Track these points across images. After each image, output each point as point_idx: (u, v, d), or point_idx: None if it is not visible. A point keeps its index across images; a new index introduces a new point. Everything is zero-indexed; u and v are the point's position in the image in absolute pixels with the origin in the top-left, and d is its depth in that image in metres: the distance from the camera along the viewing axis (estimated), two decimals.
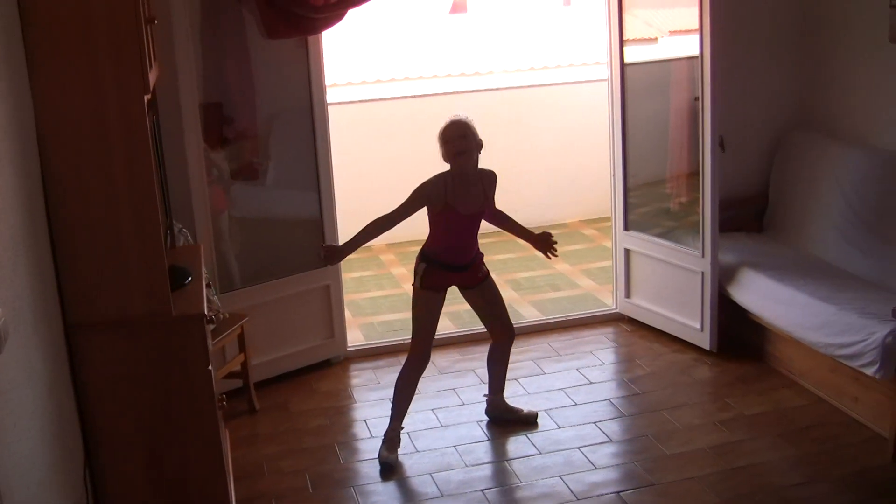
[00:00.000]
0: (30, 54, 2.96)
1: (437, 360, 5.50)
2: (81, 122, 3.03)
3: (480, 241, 4.54)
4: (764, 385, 5.00)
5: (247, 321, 4.86)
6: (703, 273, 5.29)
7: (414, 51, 12.54)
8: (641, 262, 5.80)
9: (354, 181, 7.39)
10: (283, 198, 5.55)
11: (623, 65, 5.69)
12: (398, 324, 6.08)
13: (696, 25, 5.06)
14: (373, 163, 7.75)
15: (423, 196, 4.32)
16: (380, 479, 4.32)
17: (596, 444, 4.52)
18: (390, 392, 4.58)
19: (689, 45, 5.21)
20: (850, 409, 4.61)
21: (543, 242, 4.59)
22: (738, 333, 5.41)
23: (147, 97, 3.12)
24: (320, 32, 5.03)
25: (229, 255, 5.19)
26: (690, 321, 5.46)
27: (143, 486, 3.30)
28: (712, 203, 5.15)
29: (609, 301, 6.22)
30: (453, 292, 4.57)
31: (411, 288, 4.48)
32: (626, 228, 5.87)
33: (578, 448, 4.48)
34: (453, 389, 5.16)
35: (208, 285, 4.42)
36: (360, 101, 8.47)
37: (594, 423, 4.73)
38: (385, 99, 8.57)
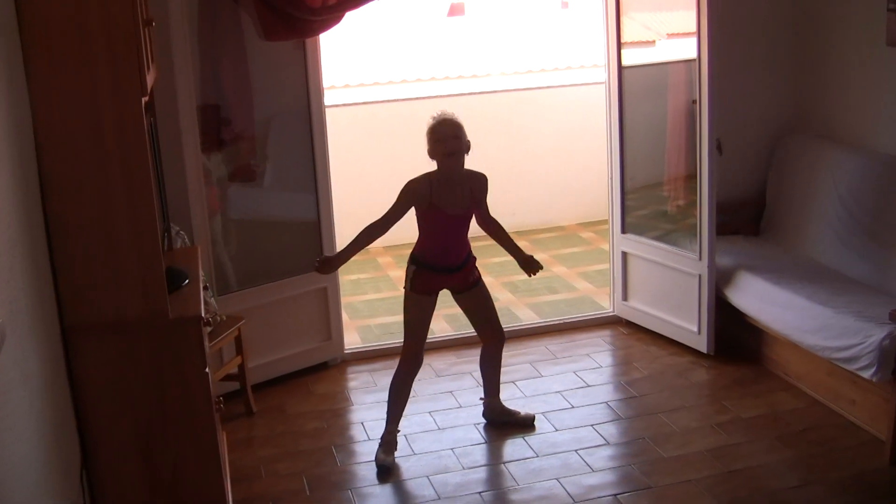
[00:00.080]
0: (27, 56, 2.95)
1: (434, 362, 5.51)
2: (79, 124, 3.02)
3: (475, 244, 4.54)
4: (761, 388, 5.00)
5: (244, 323, 4.86)
6: (700, 276, 5.29)
7: (412, 53, 12.55)
8: (639, 265, 5.80)
9: (352, 183, 7.40)
10: (281, 200, 5.55)
11: (621, 67, 5.69)
12: (395, 326, 6.08)
13: (693, 28, 5.07)
14: (370, 165, 7.75)
15: (408, 196, 4.31)
16: (377, 482, 4.31)
17: (593, 446, 4.52)
18: (387, 395, 4.57)
19: (687, 48, 5.21)
20: (848, 412, 4.61)
21: (529, 265, 4.58)
22: (735, 336, 5.41)
23: (144, 99, 3.12)
24: (318, 35, 5.03)
25: (223, 257, 5.18)
26: (687, 324, 5.46)
27: (139, 487, 3.30)
28: (709, 206, 5.15)
29: (606, 304, 6.22)
30: (447, 295, 4.56)
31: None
32: (624, 231, 5.87)
33: (575, 451, 4.48)
34: (450, 392, 5.16)
35: (205, 287, 4.42)
36: (358, 104, 8.47)
37: (591, 425, 4.72)
38: (383, 101, 8.58)
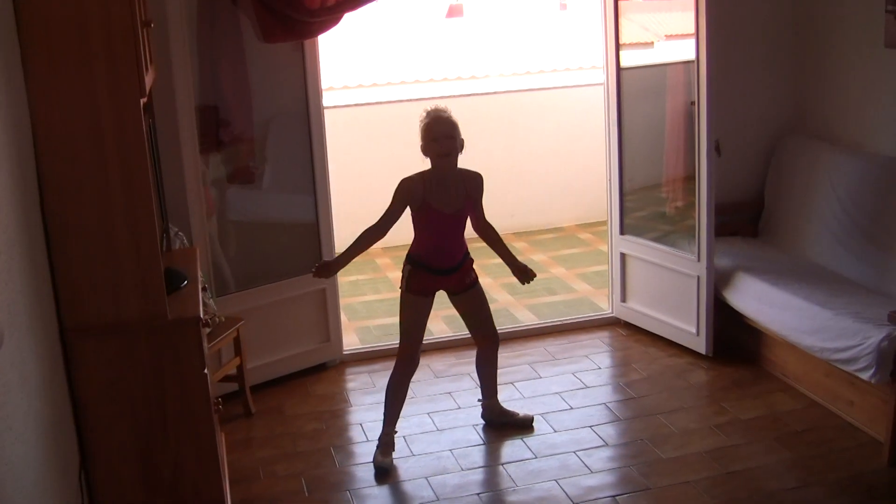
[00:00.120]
0: (26, 57, 2.95)
1: (433, 363, 5.51)
2: (77, 125, 3.02)
3: (473, 245, 4.53)
4: (759, 389, 5.00)
5: (243, 325, 4.86)
6: (698, 277, 5.30)
7: (410, 54, 12.54)
8: (637, 267, 5.80)
9: (351, 185, 7.40)
10: (280, 201, 5.55)
11: (619, 69, 5.70)
12: (394, 328, 6.02)
13: (692, 30, 5.07)
14: (369, 166, 7.75)
15: (403, 194, 4.31)
16: (375, 483, 4.31)
17: (592, 447, 4.52)
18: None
19: (686, 50, 5.21)
20: (846, 414, 4.62)
21: (523, 273, 4.57)
22: (733, 338, 5.41)
23: (143, 100, 3.12)
24: (316, 36, 5.04)
25: (220, 259, 5.17)
26: (686, 325, 5.46)
27: (138, 488, 3.30)
28: (708, 207, 5.15)
29: (605, 305, 6.22)
30: (446, 296, 4.57)
31: None
32: (622, 232, 5.88)
33: (574, 452, 4.48)
34: (449, 393, 5.16)
35: (204, 289, 4.43)
36: (357, 105, 8.47)
37: (590, 426, 4.73)
38: (381, 103, 8.58)
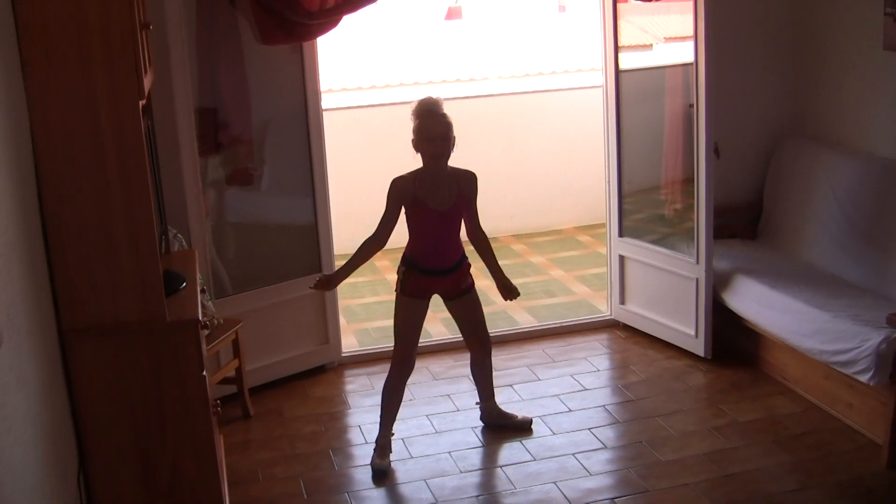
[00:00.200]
0: (25, 59, 2.96)
1: (432, 366, 5.51)
2: (76, 127, 3.02)
3: (470, 248, 4.53)
4: (758, 391, 5.00)
5: (241, 327, 4.85)
6: (697, 280, 5.30)
7: (409, 56, 12.56)
8: (636, 269, 5.80)
9: (349, 187, 7.40)
10: (278, 203, 5.55)
11: (618, 71, 5.70)
12: (392, 330, 6.06)
13: (690, 32, 5.07)
14: (368, 169, 7.74)
15: (395, 193, 4.30)
16: (374, 486, 4.31)
17: (590, 450, 4.52)
18: None
19: (684, 52, 5.22)
20: (845, 416, 4.62)
21: (506, 290, 4.54)
22: (732, 340, 5.41)
23: (142, 102, 3.12)
24: (315, 38, 5.03)
25: (215, 261, 5.16)
26: (685, 328, 5.46)
27: (137, 490, 3.30)
28: (707, 209, 5.15)
29: (603, 307, 6.22)
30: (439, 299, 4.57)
31: None
32: (621, 235, 5.88)
33: (573, 454, 4.48)
34: (448, 395, 5.15)
35: (203, 291, 4.42)
36: (355, 107, 8.48)
37: (588, 429, 4.72)
38: (380, 105, 8.57)
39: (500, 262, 4.59)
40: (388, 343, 5.69)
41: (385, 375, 4.58)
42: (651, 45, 6.22)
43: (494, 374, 4.83)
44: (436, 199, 4.29)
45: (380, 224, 4.33)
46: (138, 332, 3.19)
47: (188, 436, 3.32)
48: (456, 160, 4.37)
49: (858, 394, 4.48)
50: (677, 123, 5.58)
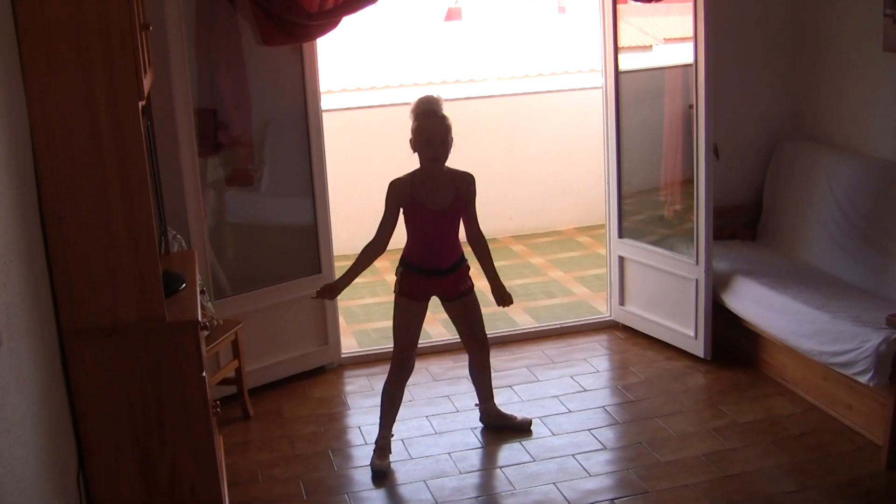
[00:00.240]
0: (24, 59, 2.96)
1: (431, 366, 5.51)
2: (76, 127, 3.02)
3: (469, 249, 4.52)
4: (757, 392, 5.00)
5: (241, 327, 4.85)
6: (697, 280, 5.30)
7: (409, 57, 12.57)
8: (636, 270, 5.80)
9: (349, 188, 7.41)
10: (278, 204, 5.55)
11: (618, 72, 5.70)
12: (391, 331, 6.07)
13: (690, 33, 5.07)
14: (367, 169, 7.74)
15: (393, 195, 4.31)
16: (373, 486, 4.31)
17: (590, 451, 4.52)
18: None
19: (684, 53, 5.22)
20: (844, 417, 4.62)
21: (500, 298, 4.54)
22: (731, 341, 5.41)
23: (141, 103, 3.12)
24: (315, 39, 5.03)
25: (213, 262, 5.16)
26: (684, 329, 5.46)
27: (136, 491, 3.30)
28: (706, 210, 5.15)
29: (603, 308, 6.22)
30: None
31: None
32: (621, 236, 5.88)
33: (572, 455, 4.48)
34: (447, 396, 5.15)
35: (202, 291, 4.42)
36: (355, 108, 8.48)
37: (588, 430, 4.72)
38: (380, 106, 8.58)
39: (499, 263, 4.59)
40: (388, 344, 5.70)
41: (385, 376, 4.58)
42: (651, 46, 6.23)
43: (494, 375, 4.83)
44: (433, 199, 4.29)
45: (379, 228, 4.34)
46: (138, 332, 3.20)
47: (188, 436, 3.32)
48: (456, 161, 4.37)
49: (858, 395, 4.48)
50: (677, 124, 5.58)
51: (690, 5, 5.02)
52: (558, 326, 6.04)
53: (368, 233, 4.38)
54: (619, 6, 5.61)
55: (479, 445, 4.65)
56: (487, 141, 8.10)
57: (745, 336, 5.28)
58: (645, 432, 4.68)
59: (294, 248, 5.51)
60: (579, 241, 8.15)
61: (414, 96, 4.45)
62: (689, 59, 5.12)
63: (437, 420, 4.90)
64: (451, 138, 4.29)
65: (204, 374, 3.33)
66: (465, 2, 17.37)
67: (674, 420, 4.77)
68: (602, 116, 5.85)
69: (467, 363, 4.78)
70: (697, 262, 5.27)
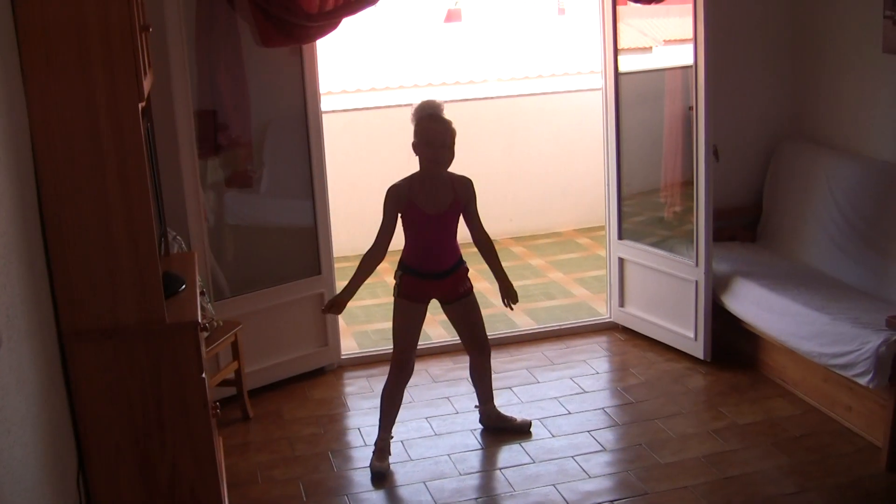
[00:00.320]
0: (24, 61, 2.96)
1: (431, 368, 5.51)
2: (76, 129, 3.03)
3: (472, 250, 4.52)
4: (757, 394, 5.00)
5: (241, 329, 4.85)
6: (696, 282, 5.30)
7: (408, 59, 12.57)
8: (635, 271, 5.80)
9: (348, 189, 7.41)
10: (278, 205, 5.55)
11: (617, 74, 5.70)
12: (391, 332, 6.07)
13: (690, 35, 5.08)
14: (367, 171, 7.75)
15: (392, 200, 4.32)
16: (373, 488, 4.31)
17: (589, 452, 4.52)
18: None
19: (684, 55, 5.22)
20: (844, 419, 4.62)
21: (508, 295, 4.54)
22: (731, 343, 5.41)
23: (141, 104, 3.12)
24: (315, 40, 5.03)
25: (212, 264, 5.16)
26: (684, 330, 5.46)
27: (135, 492, 3.30)
28: (706, 212, 5.15)
29: (603, 310, 6.22)
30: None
31: None
32: (621, 237, 5.88)
33: (572, 457, 4.48)
34: (447, 398, 5.15)
35: (202, 293, 4.42)
36: (355, 110, 8.48)
37: (588, 431, 4.72)
38: (379, 107, 8.58)
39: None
40: (388, 345, 5.70)
41: (384, 377, 4.58)
42: (650, 47, 6.23)
43: (493, 376, 4.83)
44: (430, 203, 4.30)
45: (378, 234, 4.34)
46: (137, 333, 3.20)
47: (187, 437, 3.32)
48: (456, 162, 4.36)
49: (857, 396, 4.49)
50: (677, 126, 5.58)
51: (690, 7, 5.02)
52: (558, 328, 6.04)
53: (368, 234, 4.39)
54: (619, 8, 5.62)
55: (479, 447, 4.65)
56: (487, 142, 8.10)
57: (745, 338, 5.28)
58: (645, 434, 4.68)
59: (294, 250, 5.51)
60: (579, 242, 8.15)
61: (414, 98, 4.46)
62: (689, 61, 5.13)
63: (437, 421, 4.90)
64: (453, 142, 4.28)
65: (204, 375, 3.33)
66: (465, 3, 17.39)
67: (673, 422, 4.77)
68: (602, 118, 5.86)
69: (467, 365, 4.78)
70: (697, 264, 5.28)
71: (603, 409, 4.98)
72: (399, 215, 4.34)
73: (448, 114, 4.33)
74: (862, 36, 5.33)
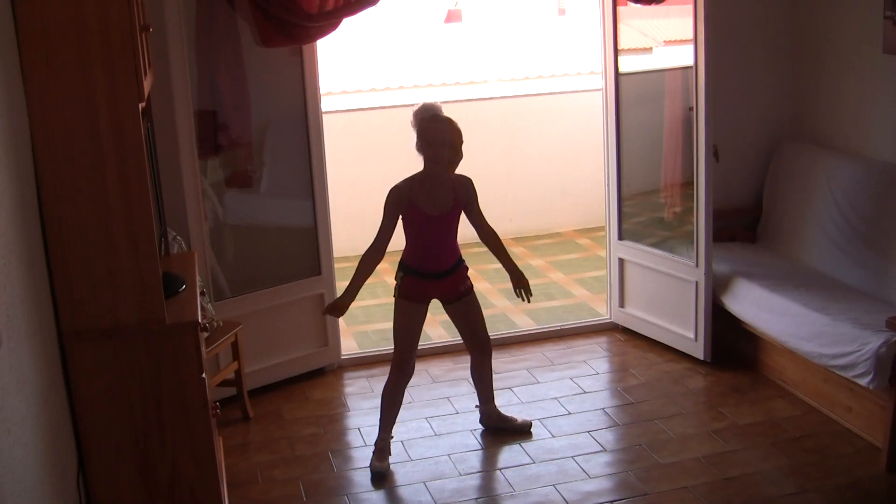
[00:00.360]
0: (24, 61, 2.96)
1: (431, 368, 5.51)
2: (76, 129, 3.03)
3: (470, 251, 4.52)
4: (757, 395, 5.00)
5: (241, 329, 4.85)
6: (696, 283, 5.30)
7: (409, 59, 12.57)
8: (635, 272, 5.80)
9: (348, 190, 7.41)
10: (278, 206, 5.55)
11: (618, 74, 5.70)
12: (391, 333, 6.06)
13: (690, 35, 5.08)
14: (367, 171, 7.75)
15: (392, 201, 4.32)
16: (373, 488, 4.31)
17: (590, 453, 4.52)
18: None
19: (684, 55, 5.22)
20: (844, 420, 4.62)
21: (521, 286, 4.53)
22: (731, 343, 5.41)
23: (141, 105, 3.12)
24: (315, 41, 5.03)
25: (213, 264, 5.16)
26: (684, 331, 5.46)
27: (135, 492, 3.30)
28: (706, 213, 5.15)
29: (603, 310, 6.22)
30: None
31: None
32: (621, 238, 5.88)
33: (572, 457, 4.48)
34: (447, 398, 5.15)
35: (202, 293, 4.42)
36: (355, 110, 8.47)
37: (588, 432, 4.72)
38: (379, 108, 8.58)
39: (498, 266, 4.59)
40: (388, 346, 5.71)
41: (384, 377, 4.58)
42: (651, 48, 6.23)
43: (494, 377, 4.83)
44: (431, 203, 4.30)
45: (377, 234, 4.34)
46: (137, 334, 3.20)
47: (187, 438, 3.32)
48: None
49: (857, 397, 4.49)
50: (677, 126, 5.58)
51: (690, 7, 5.02)
52: (558, 328, 6.04)
53: (368, 234, 4.39)
54: (619, 8, 5.62)
55: (479, 447, 4.65)
56: (487, 143, 8.09)
57: (745, 338, 5.28)
58: (645, 434, 4.68)
59: (294, 250, 5.51)
60: (579, 242, 8.15)
61: (414, 98, 4.46)
62: (689, 62, 5.13)
63: (437, 422, 4.90)
64: (459, 141, 4.28)
65: (204, 375, 3.33)
66: (466, 4, 17.39)
67: (673, 422, 4.77)
68: (602, 118, 5.86)
69: (468, 365, 4.78)
70: (697, 265, 5.28)
71: (603, 409, 4.98)
72: (401, 216, 4.34)
73: (448, 115, 4.33)
74: (862, 36, 5.33)
